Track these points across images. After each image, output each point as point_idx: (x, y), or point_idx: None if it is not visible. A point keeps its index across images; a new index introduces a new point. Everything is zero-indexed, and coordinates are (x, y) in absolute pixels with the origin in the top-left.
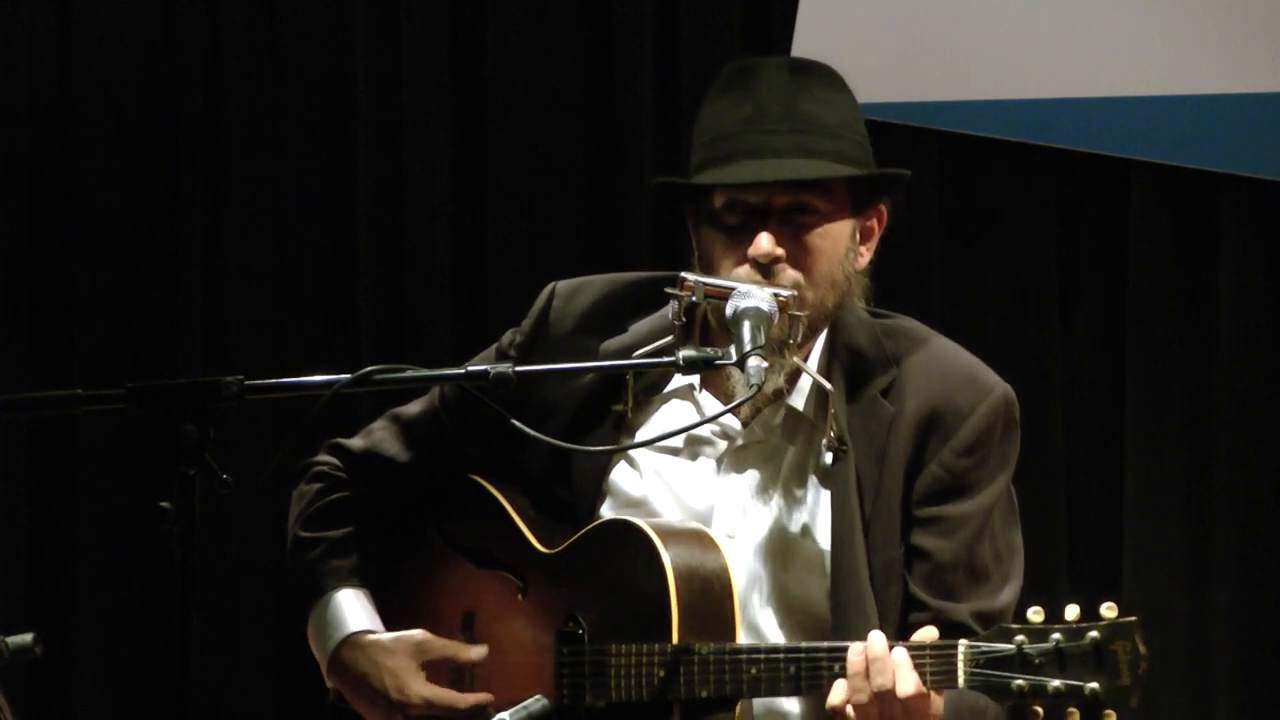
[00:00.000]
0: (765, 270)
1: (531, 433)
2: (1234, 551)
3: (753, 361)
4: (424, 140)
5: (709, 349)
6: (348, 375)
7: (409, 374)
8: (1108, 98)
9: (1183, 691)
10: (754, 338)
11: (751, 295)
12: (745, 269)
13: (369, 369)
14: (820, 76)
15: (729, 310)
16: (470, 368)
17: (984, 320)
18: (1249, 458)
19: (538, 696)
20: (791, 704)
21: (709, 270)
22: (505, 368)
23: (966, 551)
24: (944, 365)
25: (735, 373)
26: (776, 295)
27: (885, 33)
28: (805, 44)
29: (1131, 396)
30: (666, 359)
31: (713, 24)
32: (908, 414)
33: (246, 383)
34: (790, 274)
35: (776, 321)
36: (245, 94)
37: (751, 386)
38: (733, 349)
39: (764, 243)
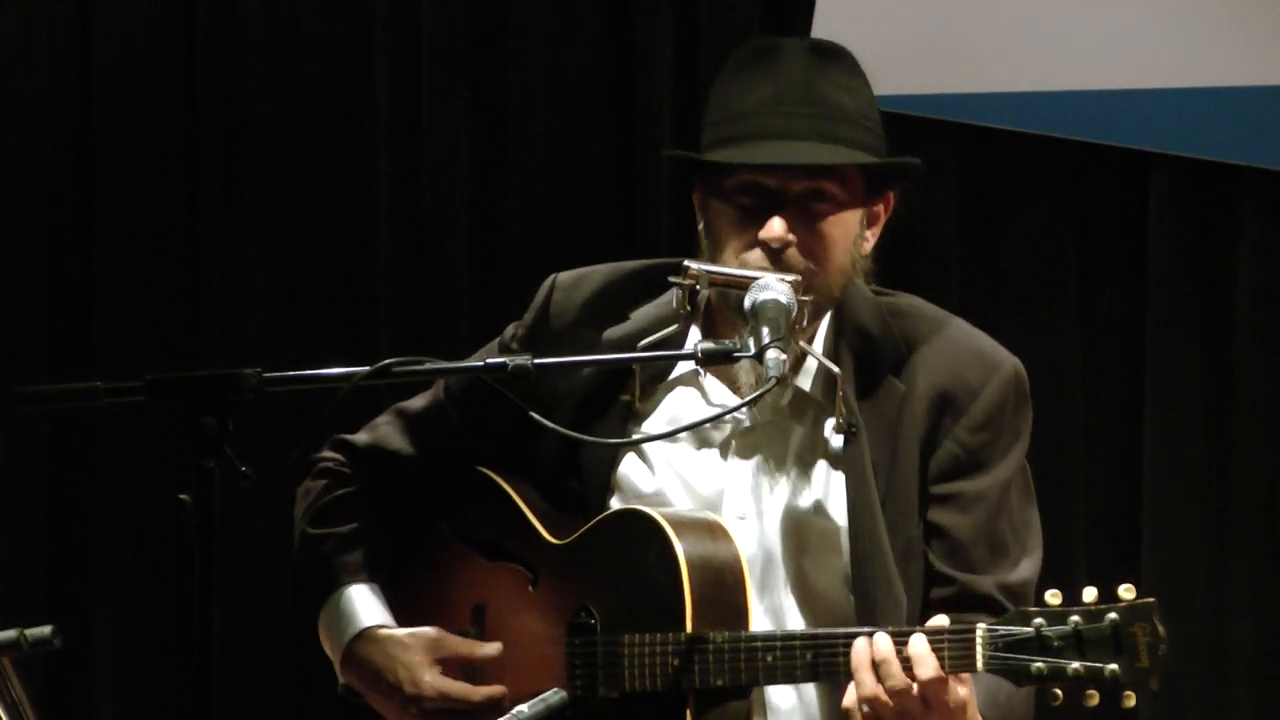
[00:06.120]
0: (775, 255)
1: (551, 425)
2: (1254, 543)
3: (771, 354)
4: (443, 134)
5: (725, 341)
6: (366, 368)
7: (427, 367)
8: (1127, 90)
9: (1201, 682)
10: (774, 330)
11: (771, 288)
12: (755, 253)
13: (388, 361)
14: (840, 60)
15: (747, 302)
16: (488, 360)
17: (1003, 313)
18: (1268, 448)
19: (555, 689)
20: (803, 691)
21: (716, 249)
22: (524, 360)
23: (985, 526)
24: (953, 342)
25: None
26: (784, 279)
27: (904, 25)
28: (824, 36)
29: (1151, 387)
30: (684, 353)
31: (732, 16)
32: (919, 392)
33: (265, 375)
34: (800, 260)
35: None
36: (265, 86)
37: (770, 380)
38: (750, 340)
39: (776, 227)
